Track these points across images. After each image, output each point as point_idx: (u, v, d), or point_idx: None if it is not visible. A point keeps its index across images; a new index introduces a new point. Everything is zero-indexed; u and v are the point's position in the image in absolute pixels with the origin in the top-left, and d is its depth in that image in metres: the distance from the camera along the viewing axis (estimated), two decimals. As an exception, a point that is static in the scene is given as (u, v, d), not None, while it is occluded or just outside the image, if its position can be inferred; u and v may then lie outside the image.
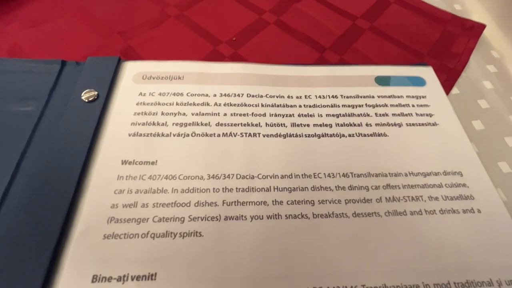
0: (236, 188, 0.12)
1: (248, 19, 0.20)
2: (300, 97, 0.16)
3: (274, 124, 0.15)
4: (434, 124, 0.15)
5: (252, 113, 0.15)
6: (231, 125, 0.14)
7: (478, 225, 0.12)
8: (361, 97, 0.16)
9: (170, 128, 0.14)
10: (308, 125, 0.15)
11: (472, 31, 0.21)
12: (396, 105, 0.16)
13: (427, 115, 0.16)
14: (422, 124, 0.15)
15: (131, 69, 0.16)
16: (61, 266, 0.10)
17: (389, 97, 0.16)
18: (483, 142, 0.16)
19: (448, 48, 0.20)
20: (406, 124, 0.15)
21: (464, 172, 0.14)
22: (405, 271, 0.11)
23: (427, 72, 0.17)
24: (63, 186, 0.12)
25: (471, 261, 0.11)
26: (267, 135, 0.14)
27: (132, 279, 0.10)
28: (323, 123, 0.15)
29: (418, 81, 0.17)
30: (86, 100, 0.15)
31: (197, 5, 0.21)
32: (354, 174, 0.13)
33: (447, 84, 0.18)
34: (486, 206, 0.13)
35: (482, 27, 0.21)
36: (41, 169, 0.12)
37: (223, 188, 0.12)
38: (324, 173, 0.13)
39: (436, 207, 0.12)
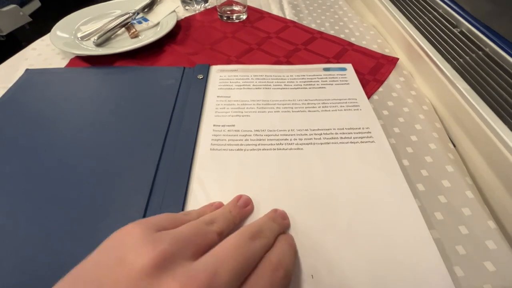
0: (262, 101, 0.30)
1: (273, 60, 0.39)
2: (292, 75, 0.35)
3: (278, 83, 0.33)
4: (347, 84, 0.33)
5: (267, 81, 0.33)
6: (259, 84, 0.33)
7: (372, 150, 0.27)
8: (316, 75, 0.35)
9: (234, 86, 0.33)
10: (291, 85, 0.33)
11: (392, 61, 0.39)
12: (331, 77, 0.34)
13: (345, 81, 0.34)
14: (342, 84, 0.33)
15: (214, 68, 0.36)
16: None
17: (328, 75, 0.35)
18: (388, 119, 0.32)
19: (378, 70, 0.38)
20: (335, 84, 0.33)
21: (359, 103, 0.30)
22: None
23: (348, 66, 0.36)
24: (190, 124, 0.29)
25: None
26: (274, 88, 0.33)
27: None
28: (299, 83, 0.33)
29: (343, 69, 0.36)
30: (199, 78, 0.34)
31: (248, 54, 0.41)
32: (310, 100, 0.31)
33: (376, 87, 0.36)
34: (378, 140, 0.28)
35: (397, 59, 0.39)
36: (181, 114, 0.30)
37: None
38: (294, 102, 0.31)
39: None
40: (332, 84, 0.33)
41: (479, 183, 0.27)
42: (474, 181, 0.27)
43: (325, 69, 0.35)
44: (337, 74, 0.35)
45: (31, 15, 1.38)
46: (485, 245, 0.22)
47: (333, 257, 0.19)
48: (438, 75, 0.33)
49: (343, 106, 0.30)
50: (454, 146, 0.30)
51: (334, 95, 0.32)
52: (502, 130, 0.25)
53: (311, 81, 0.33)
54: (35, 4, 1.42)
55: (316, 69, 0.36)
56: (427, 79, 0.36)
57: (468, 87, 0.29)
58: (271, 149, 0.26)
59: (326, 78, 0.34)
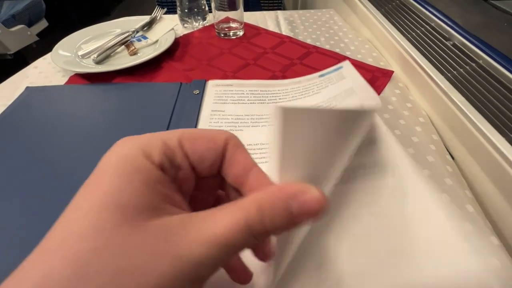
0: (257, 115, 0.30)
1: (268, 75, 0.40)
2: (287, 89, 0.35)
3: (273, 97, 0.33)
4: (343, 79, 0.34)
5: (262, 96, 0.34)
6: (254, 99, 0.33)
7: None
8: (312, 83, 0.35)
9: (228, 101, 0.33)
10: (287, 98, 0.33)
11: (387, 74, 0.39)
12: (326, 81, 0.35)
13: (341, 77, 0.34)
14: (337, 82, 0.34)
15: (211, 83, 0.36)
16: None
17: (324, 79, 0.35)
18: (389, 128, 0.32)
19: (374, 83, 0.38)
20: (330, 85, 0.34)
21: (356, 90, 0.31)
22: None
23: (345, 63, 0.36)
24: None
25: None
26: (269, 102, 0.33)
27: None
28: (294, 95, 0.34)
29: (339, 68, 0.36)
30: (195, 93, 0.34)
31: (245, 69, 0.41)
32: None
33: (372, 99, 0.36)
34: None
35: (392, 72, 0.39)
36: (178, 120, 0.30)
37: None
38: None
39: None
40: (328, 86, 0.33)
41: (480, 196, 0.27)
42: (474, 194, 0.27)
43: (321, 75, 0.36)
44: (333, 76, 0.35)
45: (38, 35, 1.43)
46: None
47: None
48: (433, 87, 0.33)
49: (338, 100, 0.31)
50: (453, 158, 0.30)
51: (329, 95, 0.32)
52: (499, 141, 0.24)
53: (307, 90, 0.34)
54: (43, 24, 1.47)
55: (312, 78, 0.37)
56: (422, 91, 0.36)
57: (463, 98, 0.29)
58: (262, 163, 0.25)
59: (321, 83, 0.35)
